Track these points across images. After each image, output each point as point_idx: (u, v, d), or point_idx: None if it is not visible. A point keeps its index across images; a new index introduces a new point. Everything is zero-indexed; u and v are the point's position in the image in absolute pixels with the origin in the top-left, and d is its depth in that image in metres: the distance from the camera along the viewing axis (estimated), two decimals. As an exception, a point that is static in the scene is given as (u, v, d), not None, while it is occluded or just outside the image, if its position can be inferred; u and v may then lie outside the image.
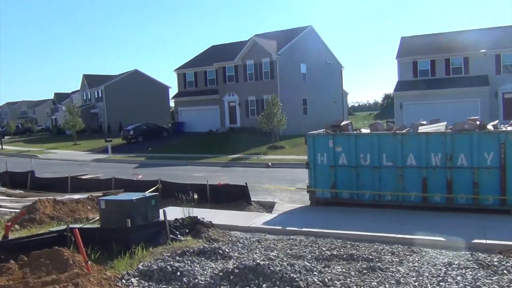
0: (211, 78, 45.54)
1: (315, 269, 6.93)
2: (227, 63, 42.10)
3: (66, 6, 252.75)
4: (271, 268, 6.56)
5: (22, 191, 16.26)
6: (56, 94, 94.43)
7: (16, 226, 10.52)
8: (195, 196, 12.54)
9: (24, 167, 20.66)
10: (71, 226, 8.29)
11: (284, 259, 7.58)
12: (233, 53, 42.16)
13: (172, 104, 57.45)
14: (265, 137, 33.18)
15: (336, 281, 6.52)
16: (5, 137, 60.44)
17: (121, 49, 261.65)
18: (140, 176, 19.38)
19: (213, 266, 7.15)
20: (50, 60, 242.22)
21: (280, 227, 10.20)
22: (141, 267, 6.90)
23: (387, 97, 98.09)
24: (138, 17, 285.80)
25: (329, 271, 7.01)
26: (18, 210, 12.54)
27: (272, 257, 7.63)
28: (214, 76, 44.84)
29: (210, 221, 9.62)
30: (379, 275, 6.78)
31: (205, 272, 6.78)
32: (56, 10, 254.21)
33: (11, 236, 8.98)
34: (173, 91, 56.89)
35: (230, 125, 42.39)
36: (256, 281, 6.35)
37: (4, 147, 46.54)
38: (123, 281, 6.42)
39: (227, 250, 7.94)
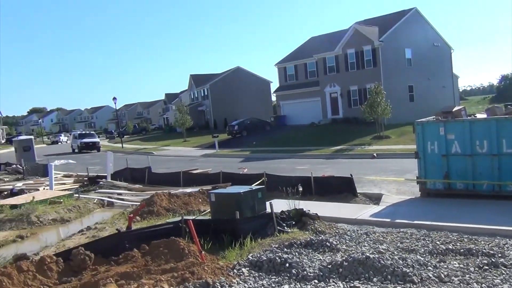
0: (311, 70, 45.29)
1: (429, 263, 6.58)
2: (327, 53, 41.53)
3: (171, 13, 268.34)
4: (382, 262, 6.36)
5: (141, 186, 17.63)
6: (166, 95, 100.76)
7: (137, 217, 11.43)
8: (300, 189, 12.61)
9: (141, 163, 22.37)
10: (185, 217, 8.79)
11: (395, 252, 7.31)
12: (333, 43, 41.47)
13: (273, 98, 58.28)
14: (369, 127, 32.24)
15: (453, 277, 6.12)
16: (124, 136, 66.05)
17: (224, 47, 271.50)
18: (246, 169, 19.93)
19: (321, 258, 7.13)
20: (160, 64, 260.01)
21: (388, 220, 9.84)
22: (251, 257, 7.10)
23: (504, 78, 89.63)
24: (239, 16, 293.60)
25: (445, 266, 6.61)
26: (138, 203, 13.63)
27: (381, 250, 7.40)
28: (314, 68, 44.55)
29: (316, 213, 9.59)
30: (503, 271, 6.23)
31: (313, 264, 6.78)
32: (164, 18, 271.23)
33: (133, 226, 9.80)
34: (274, 85, 57.64)
35: (332, 116, 41.84)
36: (366, 275, 6.21)
37: (124, 145, 50.87)
38: (235, 270, 6.66)
39: (334, 242, 7.86)
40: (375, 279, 6.10)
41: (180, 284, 5.86)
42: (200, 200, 13.29)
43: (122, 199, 15.62)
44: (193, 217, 9.52)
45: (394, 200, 12.26)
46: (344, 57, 40.18)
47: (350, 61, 39.90)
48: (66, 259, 7.32)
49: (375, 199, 12.69)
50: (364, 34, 38.31)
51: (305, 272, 6.39)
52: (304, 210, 9.56)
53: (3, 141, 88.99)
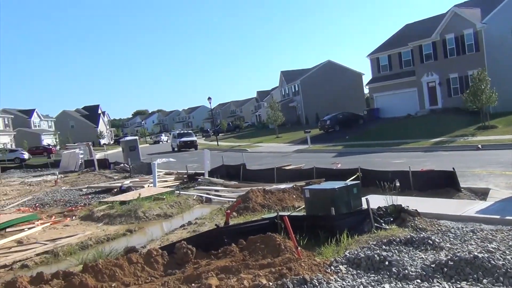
0: (406, 59, 43.30)
1: (548, 265, 5.97)
2: (424, 40, 39.41)
3: (261, 11, 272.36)
4: (492, 262, 5.89)
5: (236, 182, 18.12)
6: (258, 93, 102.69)
7: (234, 213, 11.77)
8: (397, 184, 12.13)
9: (236, 160, 22.99)
10: (280, 213, 8.87)
11: (507, 252, 6.72)
12: (430, 29, 39.24)
13: (366, 90, 56.77)
14: (471, 117, 30.11)
15: None
16: (219, 134, 68.41)
17: (315, 42, 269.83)
18: (339, 164, 19.63)
19: (423, 256, 6.79)
20: (252, 62, 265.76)
21: (498, 216, 9.09)
22: (348, 254, 6.96)
23: None
24: (328, 8, 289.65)
25: None
26: (234, 199, 14.02)
27: (491, 249, 6.85)
28: (409, 56, 42.54)
29: (416, 210, 9.15)
30: None
31: (415, 262, 6.48)
32: (254, 17, 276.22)
33: (231, 222, 10.10)
34: (367, 77, 56.06)
35: (430, 107, 39.68)
36: (475, 276, 5.79)
37: (219, 143, 52.68)
38: (332, 267, 6.58)
39: (437, 240, 7.44)
40: (485, 281, 5.67)
41: (278, 279, 5.91)
42: (294, 196, 13.32)
43: (219, 196, 16.17)
44: (288, 213, 9.58)
45: (503, 195, 11.32)
46: (442, 43, 37.85)
47: (449, 47, 37.49)
48: (170, 252, 7.75)
49: (482, 194, 11.82)
50: (464, 17, 35.76)
51: (406, 271, 6.13)
52: (403, 206, 9.18)
53: (111, 142, 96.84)
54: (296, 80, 65.35)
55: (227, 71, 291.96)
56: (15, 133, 75.79)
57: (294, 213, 10.20)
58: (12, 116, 79.17)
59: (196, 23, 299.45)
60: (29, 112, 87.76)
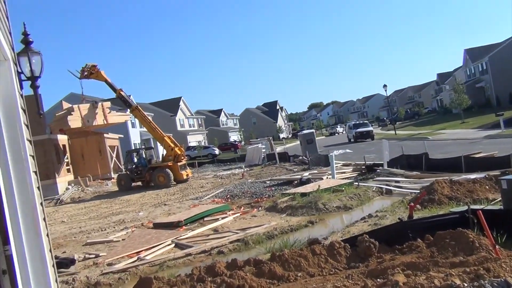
0: None
1: None
2: None
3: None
4: None
5: (417, 173, 17.12)
6: (438, 75, 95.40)
7: (418, 206, 11.14)
8: None
9: (416, 149, 21.71)
10: (472, 207, 8.07)
11: None
12: None
13: None
14: None
15: None
16: (396, 123, 65.63)
17: (503, 13, 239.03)
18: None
19: None
20: (430, 43, 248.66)
21: None
22: (561, 256, 5.97)
23: None
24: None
25: None
26: (417, 191, 13.29)
27: None
28: None
29: None
30: None
31: None
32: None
33: (414, 215, 9.58)
34: None
35: None
36: None
37: (396, 132, 50.54)
38: (540, 270, 5.72)
39: None
40: None
41: (473, 280, 5.37)
42: (487, 187, 12.00)
43: (400, 187, 15.50)
44: (482, 207, 8.65)
45: None
46: None
47: None
48: (352, 245, 7.70)
49: None
50: None
51: None
52: None
53: (290, 136, 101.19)
54: (484, 57, 58.66)
55: (402, 55, 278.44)
56: (207, 131, 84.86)
57: (489, 207, 9.17)
58: (204, 117, 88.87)
59: (366, 8, 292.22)
60: (217, 112, 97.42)
